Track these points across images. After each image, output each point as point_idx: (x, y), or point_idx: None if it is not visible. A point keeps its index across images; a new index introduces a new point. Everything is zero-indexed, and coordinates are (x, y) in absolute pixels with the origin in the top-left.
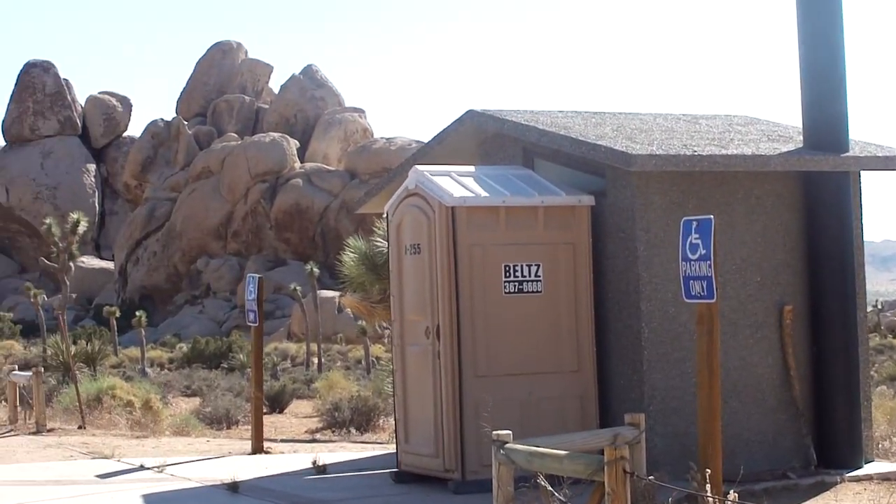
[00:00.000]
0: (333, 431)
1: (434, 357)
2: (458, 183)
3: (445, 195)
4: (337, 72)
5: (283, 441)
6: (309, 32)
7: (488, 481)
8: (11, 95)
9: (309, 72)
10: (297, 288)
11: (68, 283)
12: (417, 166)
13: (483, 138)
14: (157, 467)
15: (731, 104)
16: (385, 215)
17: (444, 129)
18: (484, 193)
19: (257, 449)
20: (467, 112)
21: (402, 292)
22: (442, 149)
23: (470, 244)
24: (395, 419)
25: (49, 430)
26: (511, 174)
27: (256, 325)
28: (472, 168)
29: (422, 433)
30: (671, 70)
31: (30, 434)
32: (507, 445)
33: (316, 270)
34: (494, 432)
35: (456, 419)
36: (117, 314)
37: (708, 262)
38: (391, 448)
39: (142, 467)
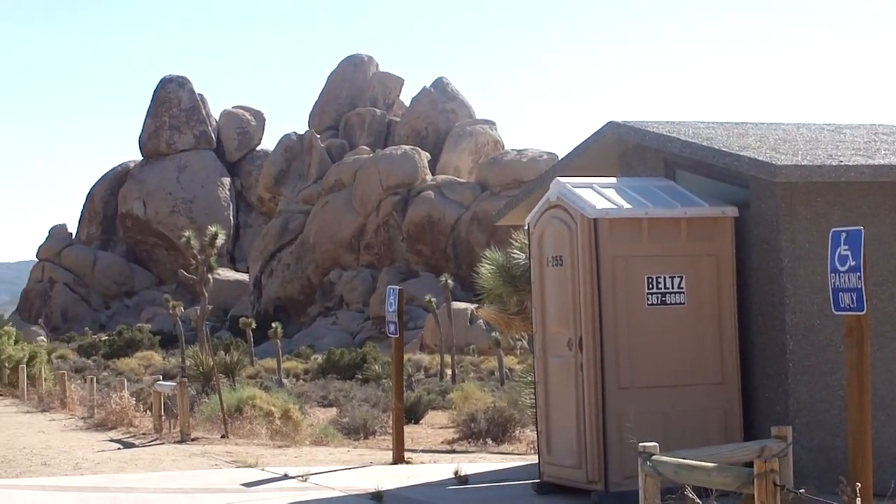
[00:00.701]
0: (470, 442)
1: (576, 369)
2: (599, 195)
3: (588, 207)
4: (467, 84)
5: (422, 451)
6: (440, 45)
7: (631, 493)
8: (148, 111)
9: (440, 84)
10: (432, 300)
11: (206, 294)
12: (559, 178)
13: (623, 150)
14: (301, 476)
15: (872, 114)
16: (526, 227)
17: (583, 141)
18: (626, 205)
19: (398, 459)
20: (608, 124)
21: (543, 304)
22: (582, 160)
23: (612, 256)
24: (536, 430)
25: (193, 439)
26: (653, 185)
27: (397, 336)
28: (613, 179)
29: (564, 444)
30: (808, 80)
31: (174, 443)
32: (654, 457)
33: (450, 282)
34: (641, 444)
35: (599, 431)
36: (253, 325)
37: (858, 273)
38: (530, 459)
39: (286, 476)
